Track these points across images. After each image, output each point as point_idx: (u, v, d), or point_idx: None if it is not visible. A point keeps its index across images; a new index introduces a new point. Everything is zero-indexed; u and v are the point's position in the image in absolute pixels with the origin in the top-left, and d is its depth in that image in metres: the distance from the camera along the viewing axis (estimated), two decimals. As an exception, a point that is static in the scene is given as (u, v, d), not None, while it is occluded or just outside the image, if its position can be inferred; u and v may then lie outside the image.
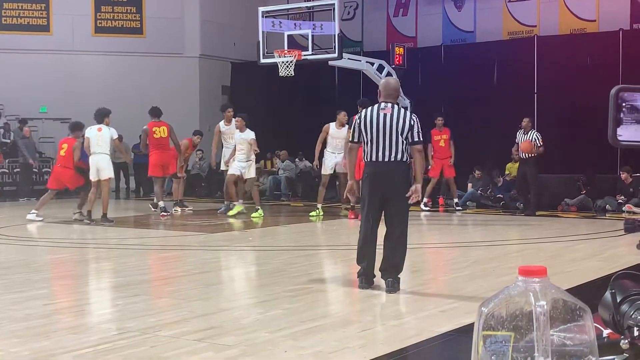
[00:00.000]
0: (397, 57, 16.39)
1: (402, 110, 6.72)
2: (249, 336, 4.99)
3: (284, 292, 6.66)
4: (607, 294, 1.67)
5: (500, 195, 15.72)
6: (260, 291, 7.10)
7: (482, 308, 1.42)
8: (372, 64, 15.72)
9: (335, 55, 14.18)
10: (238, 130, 13.69)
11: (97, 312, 5.70)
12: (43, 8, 22.09)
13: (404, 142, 6.58)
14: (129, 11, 22.69)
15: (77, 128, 13.41)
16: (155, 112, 14.29)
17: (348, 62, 15.18)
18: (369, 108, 6.72)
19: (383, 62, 15.88)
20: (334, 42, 14.19)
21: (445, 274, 8.10)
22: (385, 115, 6.59)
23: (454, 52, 19.45)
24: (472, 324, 4.74)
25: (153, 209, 14.46)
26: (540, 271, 1.37)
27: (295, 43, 15.24)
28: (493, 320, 1.36)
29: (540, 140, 14.19)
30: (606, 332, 1.70)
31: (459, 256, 9.70)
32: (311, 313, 5.66)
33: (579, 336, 1.37)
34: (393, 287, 6.50)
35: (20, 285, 7.00)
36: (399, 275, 6.60)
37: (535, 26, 19.41)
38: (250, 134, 13.56)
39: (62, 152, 13.18)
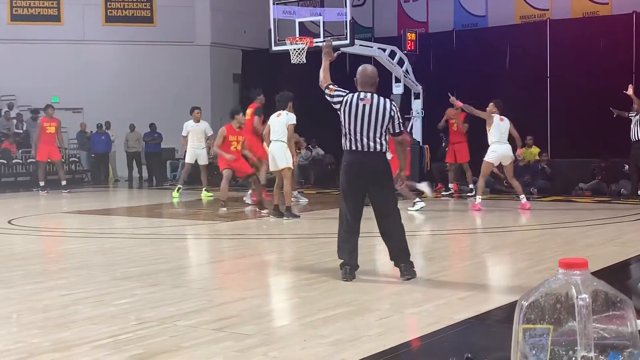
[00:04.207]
0: (408, 43, 16.30)
1: (382, 100, 6.50)
2: (268, 325, 4.99)
3: (301, 281, 6.66)
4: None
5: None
6: (276, 280, 7.11)
7: (522, 302, 1.40)
8: (384, 50, 15.65)
9: (347, 42, 14.12)
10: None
11: (116, 302, 5.70)
12: (54, -2, 22.12)
13: (384, 133, 6.46)
14: (139, 0, 22.68)
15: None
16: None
17: (360, 48, 15.11)
18: (349, 96, 6.50)
19: (395, 48, 15.81)
20: (346, 28, 14.13)
21: (462, 261, 8.08)
22: (364, 105, 6.41)
23: (466, 37, 19.36)
24: (490, 312, 4.71)
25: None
26: (581, 264, 1.35)
27: (306, 30, 15.19)
28: (533, 314, 1.35)
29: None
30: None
31: (475, 243, 9.68)
32: (329, 301, 5.65)
33: (621, 328, 1.35)
34: (408, 271, 6.42)
35: (38, 275, 7.04)
36: (410, 259, 6.54)
37: (548, 10, 19.28)
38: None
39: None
